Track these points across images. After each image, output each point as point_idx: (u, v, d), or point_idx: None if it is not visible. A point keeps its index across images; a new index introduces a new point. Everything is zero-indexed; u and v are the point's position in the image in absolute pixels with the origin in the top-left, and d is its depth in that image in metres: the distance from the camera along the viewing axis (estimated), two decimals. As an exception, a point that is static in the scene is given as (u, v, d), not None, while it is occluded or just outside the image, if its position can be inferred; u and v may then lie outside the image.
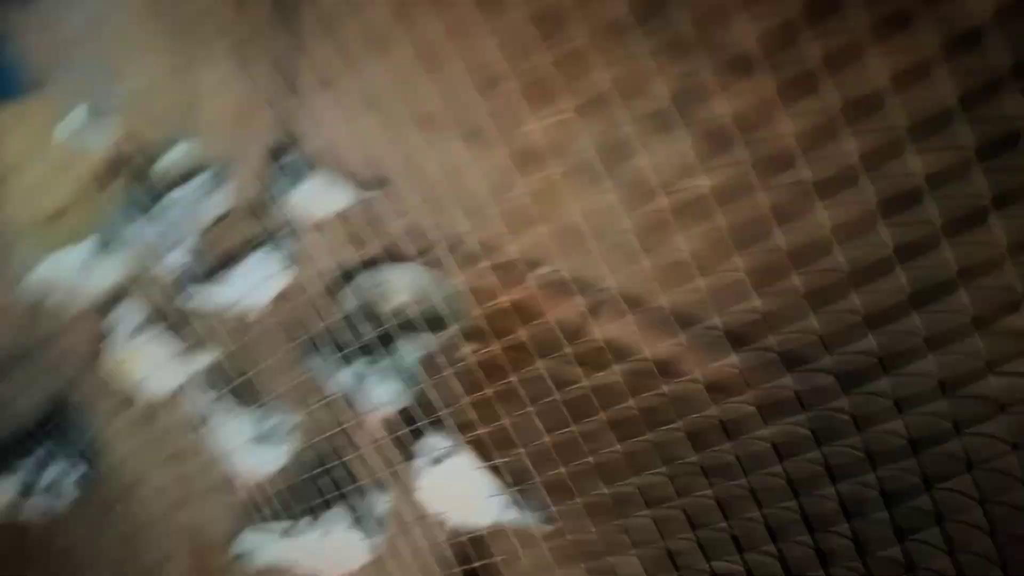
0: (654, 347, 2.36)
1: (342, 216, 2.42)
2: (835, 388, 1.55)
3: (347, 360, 1.90)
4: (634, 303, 2.33)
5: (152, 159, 2.33)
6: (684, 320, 2.25)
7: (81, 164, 2.29)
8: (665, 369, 2.10)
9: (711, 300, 2.17)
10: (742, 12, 1.55)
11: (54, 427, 1.72)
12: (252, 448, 1.71)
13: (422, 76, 2.30)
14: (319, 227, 2.36)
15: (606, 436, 1.86)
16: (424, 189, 2.55)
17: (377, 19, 2.27)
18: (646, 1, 1.73)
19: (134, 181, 2.26)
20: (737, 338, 1.98)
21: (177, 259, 2.11)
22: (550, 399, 2.04)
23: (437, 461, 1.79)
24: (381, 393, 1.84)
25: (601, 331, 2.30)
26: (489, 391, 1.98)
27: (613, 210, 2.35)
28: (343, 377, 1.89)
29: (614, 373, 2.19)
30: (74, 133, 2.22)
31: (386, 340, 1.97)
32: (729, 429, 1.71)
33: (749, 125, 1.83)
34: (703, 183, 2.03)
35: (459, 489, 1.82)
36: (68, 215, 2.25)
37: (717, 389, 2.09)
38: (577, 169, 2.22)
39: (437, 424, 1.88)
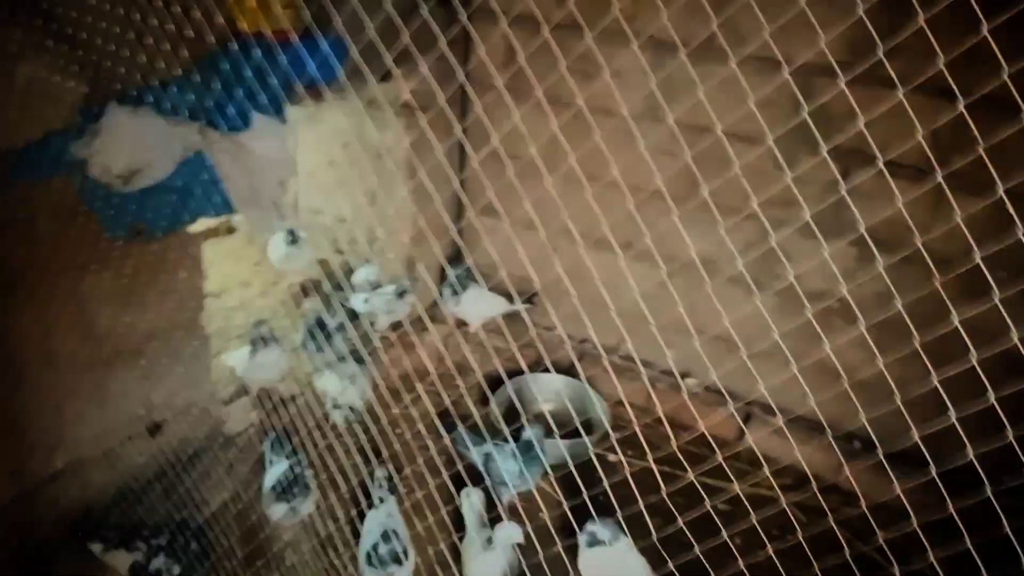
0: (809, 459, 2.30)
1: (494, 325, 2.61)
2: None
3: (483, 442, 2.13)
4: (786, 413, 2.31)
5: (341, 280, 2.64)
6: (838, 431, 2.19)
7: (279, 287, 2.64)
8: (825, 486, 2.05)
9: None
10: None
11: (184, 531, 1.97)
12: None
13: (572, 200, 2.49)
14: (473, 334, 2.56)
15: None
16: (574, 302, 2.68)
17: (531, 157, 2.50)
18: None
19: (325, 300, 2.56)
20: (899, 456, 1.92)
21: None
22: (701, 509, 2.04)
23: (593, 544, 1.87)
24: (507, 473, 2.06)
25: (753, 442, 2.30)
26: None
27: (764, 319, 2.34)
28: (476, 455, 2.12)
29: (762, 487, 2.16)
30: (277, 259, 2.57)
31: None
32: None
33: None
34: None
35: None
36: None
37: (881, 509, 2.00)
38: (731, 280, 2.29)
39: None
